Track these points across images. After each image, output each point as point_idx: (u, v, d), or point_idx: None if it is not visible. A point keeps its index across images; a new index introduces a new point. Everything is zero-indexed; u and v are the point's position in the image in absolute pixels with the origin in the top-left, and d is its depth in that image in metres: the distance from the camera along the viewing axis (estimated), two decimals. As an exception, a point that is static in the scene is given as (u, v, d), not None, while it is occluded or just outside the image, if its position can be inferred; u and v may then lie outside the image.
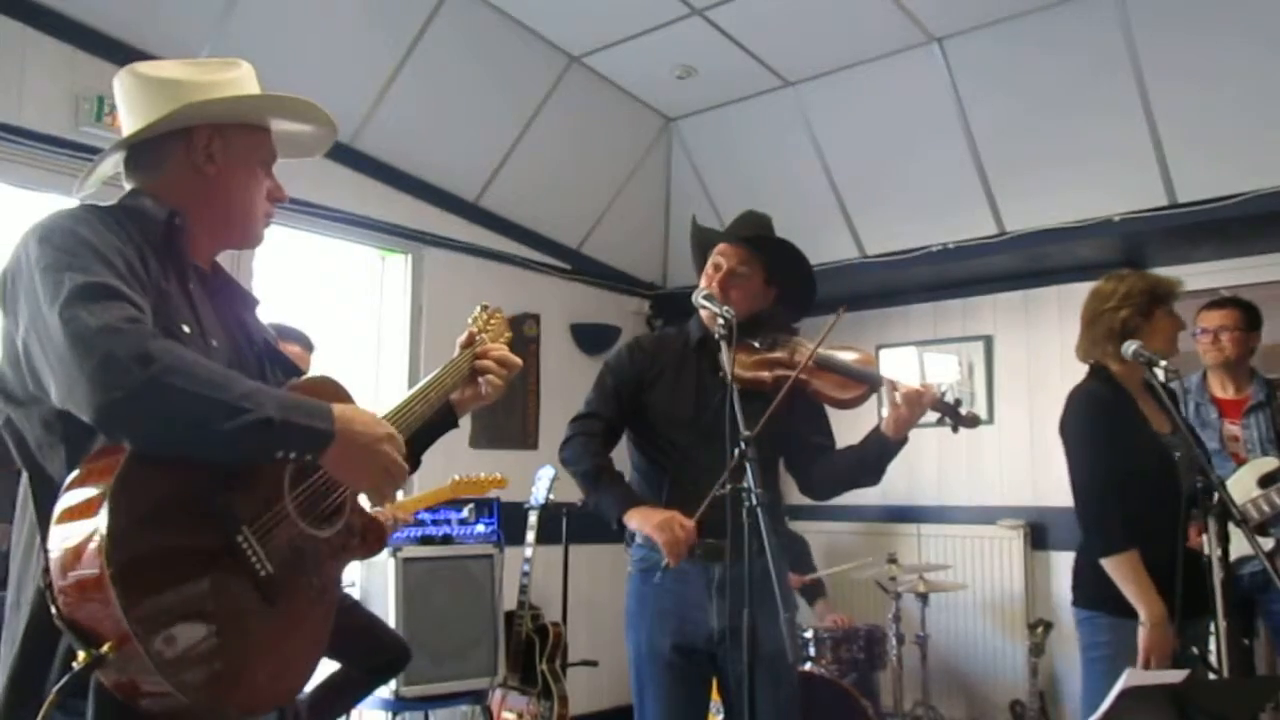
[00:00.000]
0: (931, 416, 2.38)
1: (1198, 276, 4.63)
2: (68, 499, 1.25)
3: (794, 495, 2.94)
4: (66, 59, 3.53)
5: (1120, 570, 2.53)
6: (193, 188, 1.54)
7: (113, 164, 1.59)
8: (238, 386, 1.30)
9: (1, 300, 1.37)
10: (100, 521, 1.19)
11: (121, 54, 3.62)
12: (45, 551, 1.25)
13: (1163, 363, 2.52)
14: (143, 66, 1.57)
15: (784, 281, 2.56)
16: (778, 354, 2.47)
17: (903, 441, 2.37)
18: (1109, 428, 2.63)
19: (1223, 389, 3.58)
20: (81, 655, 1.18)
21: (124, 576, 1.18)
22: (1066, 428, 2.74)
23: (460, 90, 4.38)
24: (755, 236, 2.52)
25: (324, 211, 4.29)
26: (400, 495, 4.28)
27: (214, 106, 1.54)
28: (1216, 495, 2.31)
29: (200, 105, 1.52)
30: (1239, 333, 3.52)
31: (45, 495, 1.31)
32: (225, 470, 1.33)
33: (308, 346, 3.41)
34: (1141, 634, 2.49)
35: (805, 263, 2.55)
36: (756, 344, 2.48)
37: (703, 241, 2.61)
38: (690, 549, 2.30)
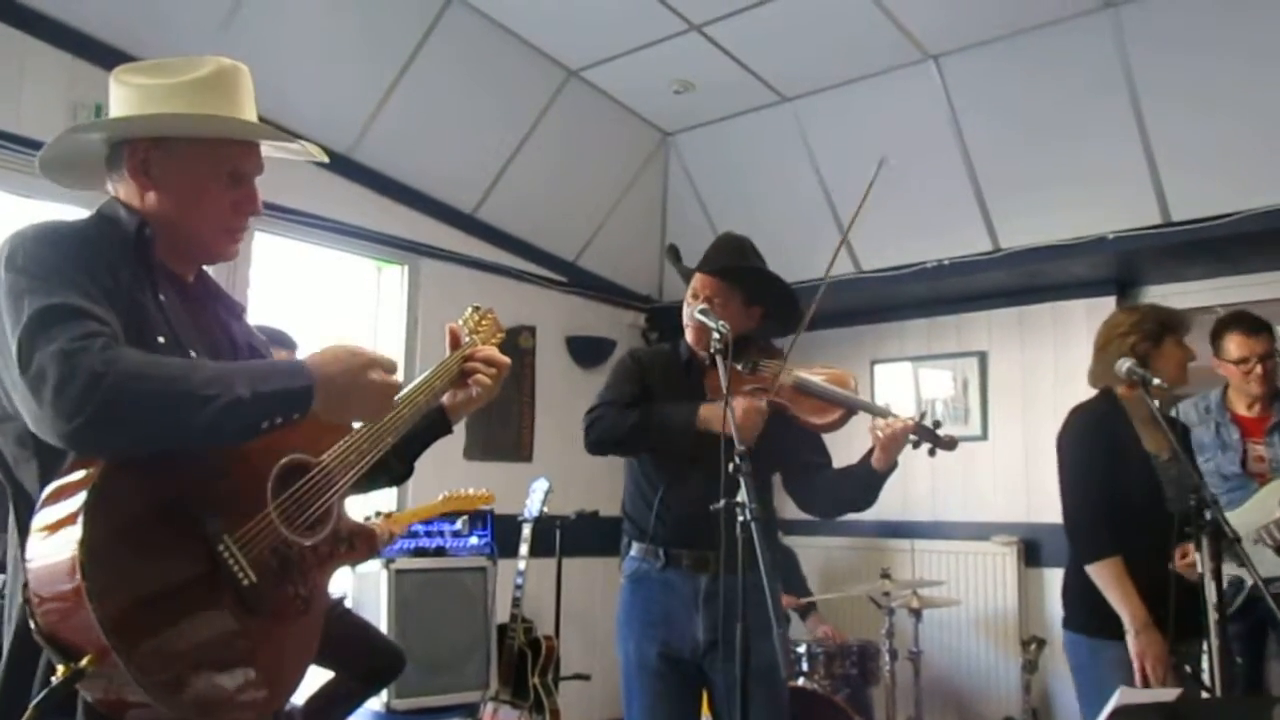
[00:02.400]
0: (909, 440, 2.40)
1: (1192, 295, 4.66)
2: (44, 513, 1.24)
3: (788, 510, 2.95)
4: (65, 67, 3.53)
5: (1104, 576, 2.59)
6: (141, 201, 1.51)
7: (93, 160, 1.57)
8: (198, 374, 1.28)
9: None
10: (75, 534, 1.18)
11: (119, 62, 3.60)
12: (24, 565, 1.24)
13: (1155, 381, 2.56)
14: (126, 71, 1.56)
15: (766, 301, 2.58)
16: (759, 377, 2.49)
17: (891, 469, 2.41)
18: (1103, 444, 2.69)
19: (1247, 408, 3.48)
20: (60, 669, 1.17)
21: (100, 590, 1.17)
22: (1063, 441, 2.82)
23: (458, 102, 4.39)
24: (723, 268, 2.54)
25: (321, 222, 4.29)
26: (392, 505, 4.27)
27: (130, 124, 1.50)
28: (1210, 513, 2.32)
29: (107, 123, 1.50)
30: (1272, 360, 3.38)
31: (24, 509, 1.30)
32: (206, 479, 1.32)
33: (290, 346, 3.40)
34: (1130, 640, 2.53)
35: (780, 283, 2.58)
36: (739, 368, 2.50)
37: (682, 275, 2.65)
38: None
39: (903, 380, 5.38)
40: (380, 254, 4.71)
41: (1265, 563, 2.44)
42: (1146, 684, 2.49)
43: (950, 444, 2.40)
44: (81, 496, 1.21)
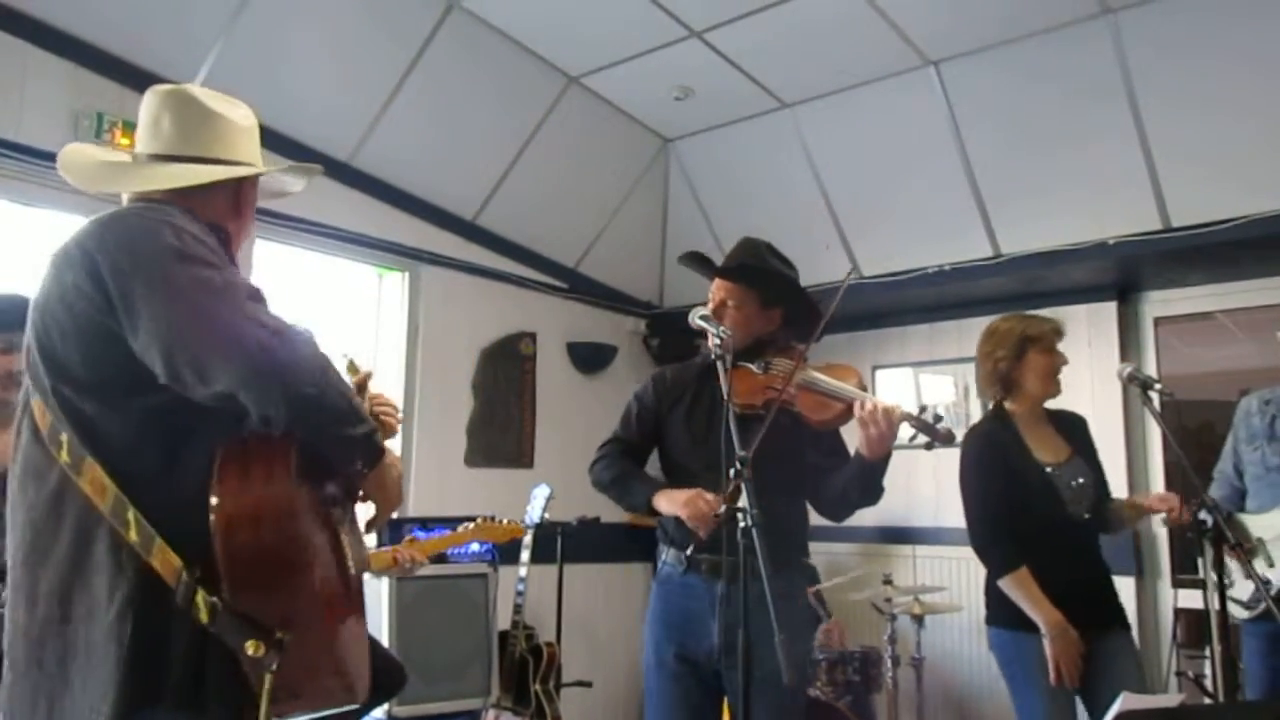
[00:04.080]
0: (906, 435, 2.37)
1: (1192, 300, 4.66)
2: (234, 488, 1.29)
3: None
4: (67, 75, 3.54)
5: (1014, 587, 2.75)
6: (223, 221, 1.60)
7: (126, 171, 1.61)
8: (354, 398, 1.47)
9: (98, 290, 1.35)
10: (290, 507, 1.29)
11: (121, 71, 3.63)
12: (140, 546, 1.28)
13: (1157, 384, 2.65)
14: (196, 92, 1.63)
15: (785, 303, 2.61)
16: (771, 377, 2.51)
17: (884, 459, 2.39)
18: (996, 462, 2.83)
19: None
20: (251, 645, 1.23)
21: (310, 562, 1.30)
22: (961, 463, 2.94)
23: (459, 109, 4.39)
24: (734, 268, 2.58)
25: (322, 229, 4.30)
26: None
27: (291, 171, 1.71)
28: (1213, 519, 2.36)
29: (284, 169, 1.69)
30: None
31: (137, 490, 1.32)
32: (325, 476, 1.46)
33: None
34: (1046, 644, 2.67)
35: (796, 285, 2.61)
36: (754, 368, 2.54)
37: (703, 277, 2.69)
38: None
39: (904, 386, 5.39)
40: (381, 261, 4.71)
41: None
42: (1061, 683, 2.65)
43: (949, 437, 2.37)
44: (286, 474, 1.32)
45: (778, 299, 2.60)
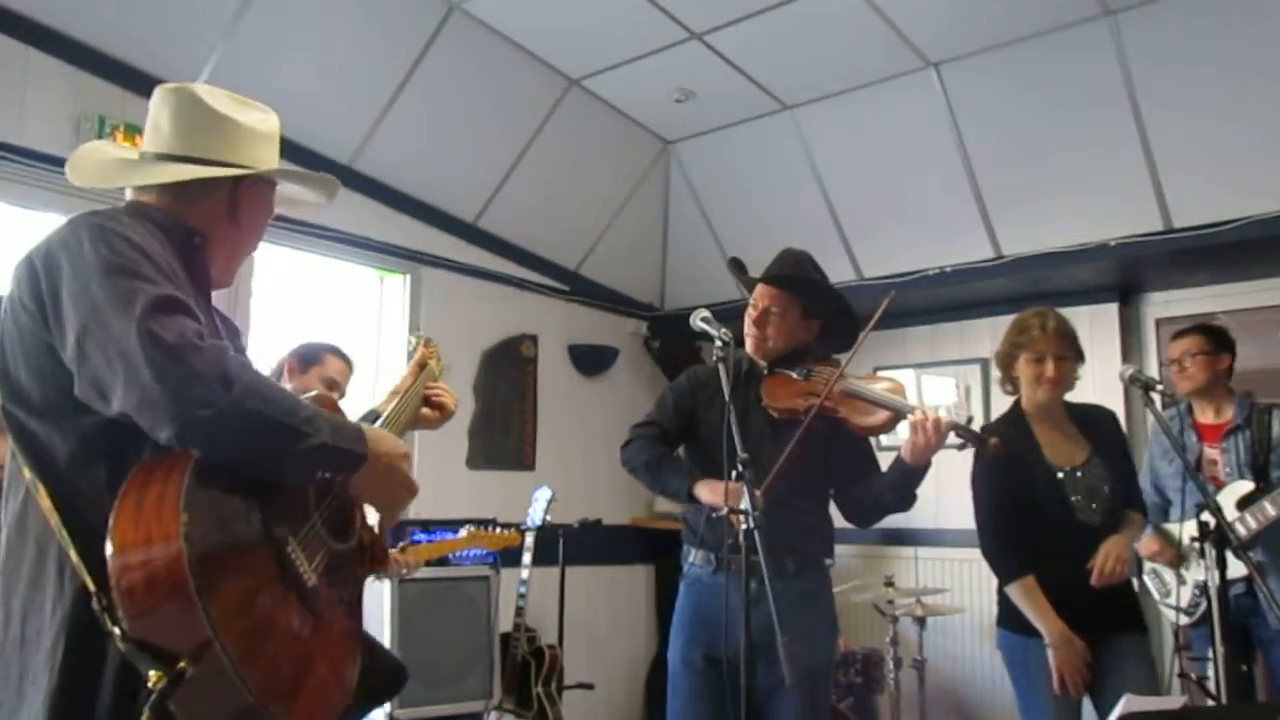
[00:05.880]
0: (953, 440, 2.46)
1: (1194, 301, 4.66)
2: (129, 513, 1.22)
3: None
4: (68, 79, 3.54)
5: (1019, 596, 2.74)
6: (215, 224, 1.56)
7: (123, 168, 1.60)
8: (301, 410, 1.32)
9: (36, 304, 1.33)
10: (177, 531, 1.19)
11: (123, 75, 3.64)
12: (81, 567, 1.24)
13: (1159, 385, 2.67)
14: (201, 91, 1.60)
15: (824, 314, 2.67)
16: (812, 383, 2.55)
17: (924, 467, 2.46)
18: (1008, 467, 2.76)
19: (1203, 414, 3.58)
20: (154, 675, 1.16)
21: (205, 586, 1.18)
22: (973, 466, 2.92)
23: (460, 112, 4.40)
24: (782, 276, 2.63)
25: (323, 232, 4.30)
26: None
27: (285, 175, 1.64)
28: (1214, 521, 2.38)
29: (273, 172, 1.61)
30: (1203, 357, 3.50)
31: (78, 511, 1.29)
32: (260, 483, 1.34)
33: (349, 364, 3.47)
34: (1050, 654, 2.66)
35: (839, 297, 2.68)
36: (794, 375, 2.59)
37: (743, 284, 2.73)
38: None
39: (905, 387, 5.38)
40: (382, 263, 4.72)
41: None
42: (1066, 691, 2.64)
43: (995, 448, 2.46)
44: (175, 495, 1.22)
45: (818, 310, 2.66)
